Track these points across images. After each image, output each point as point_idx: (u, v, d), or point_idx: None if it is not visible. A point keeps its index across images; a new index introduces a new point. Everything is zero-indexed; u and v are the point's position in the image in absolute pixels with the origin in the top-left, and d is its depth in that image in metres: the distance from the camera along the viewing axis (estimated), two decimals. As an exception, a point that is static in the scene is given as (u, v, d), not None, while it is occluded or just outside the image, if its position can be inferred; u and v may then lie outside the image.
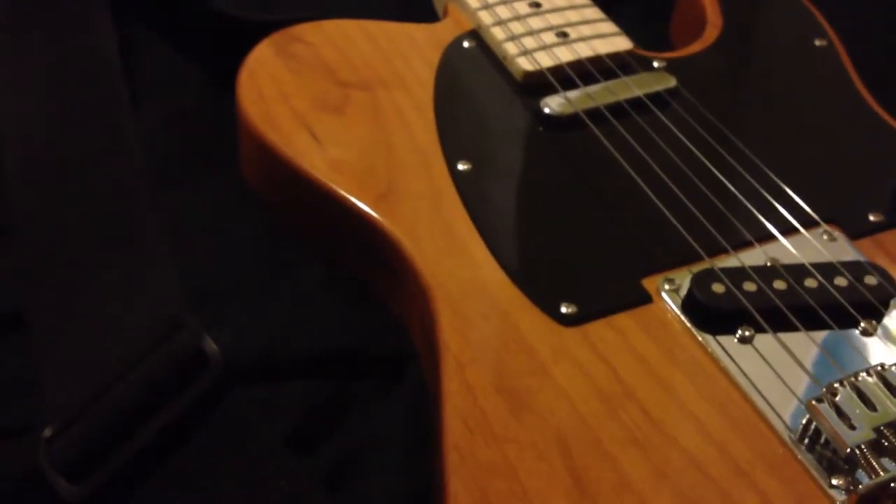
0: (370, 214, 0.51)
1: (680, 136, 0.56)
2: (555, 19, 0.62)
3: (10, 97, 0.58)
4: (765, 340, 0.46)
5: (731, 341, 0.46)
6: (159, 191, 0.55)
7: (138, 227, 0.52)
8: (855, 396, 0.43)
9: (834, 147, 0.58)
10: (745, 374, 0.45)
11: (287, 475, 0.45)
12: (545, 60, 0.59)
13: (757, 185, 0.53)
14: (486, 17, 0.62)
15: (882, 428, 0.42)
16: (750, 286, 0.48)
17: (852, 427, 0.42)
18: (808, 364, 0.45)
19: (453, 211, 0.52)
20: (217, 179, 0.62)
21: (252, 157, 0.58)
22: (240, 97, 0.57)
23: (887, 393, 0.43)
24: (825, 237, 0.52)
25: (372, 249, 0.52)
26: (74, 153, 0.56)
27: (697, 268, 0.49)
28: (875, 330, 0.47)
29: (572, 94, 0.58)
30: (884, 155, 0.58)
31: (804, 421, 0.43)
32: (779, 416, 0.43)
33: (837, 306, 0.47)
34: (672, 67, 0.61)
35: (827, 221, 0.52)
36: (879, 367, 0.44)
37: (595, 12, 0.63)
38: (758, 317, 0.47)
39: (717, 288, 0.47)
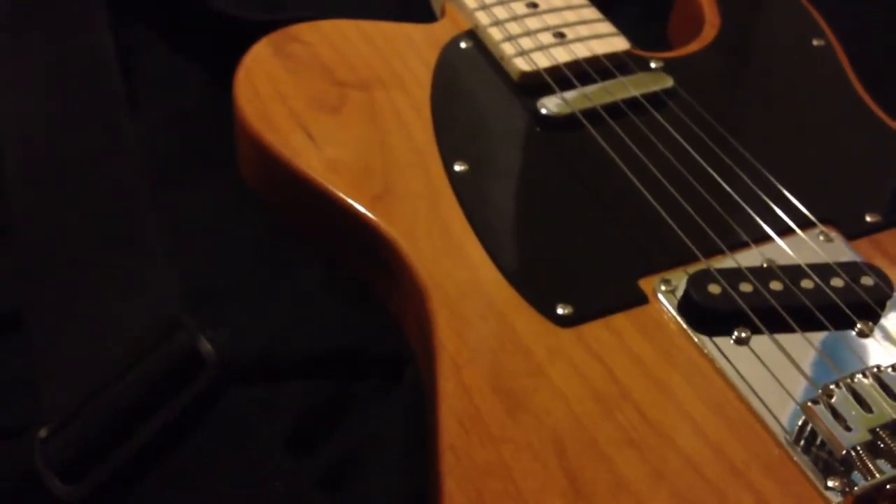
0: (366, 215, 0.51)
1: (677, 136, 0.56)
2: (552, 20, 0.62)
3: (10, 97, 0.58)
4: (761, 342, 0.46)
5: (727, 342, 0.46)
6: (159, 191, 0.55)
7: (137, 228, 0.52)
8: (851, 398, 0.43)
9: (831, 147, 0.58)
10: (741, 376, 0.45)
11: (286, 475, 0.45)
12: (542, 61, 0.59)
13: (753, 186, 0.53)
14: (483, 18, 0.62)
15: (878, 429, 0.42)
16: (746, 287, 0.48)
17: (848, 428, 0.42)
18: (805, 365, 0.45)
19: (450, 211, 0.51)
20: (217, 179, 0.62)
21: (249, 156, 0.58)
22: (236, 96, 0.57)
23: (883, 394, 0.43)
24: (822, 238, 0.52)
25: (369, 249, 0.52)
26: (73, 153, 0.56)
27: (694, 269, 0.49)
28: (871, 331, 0.47)
29: (569, 94, 0.58)
30: (881, 155, 0.58)
31: (800, 422, 0.43)
32: (775, 417, 0.43)
33: (834, 307, 0.47)
34: (669, 67, 0.61)
35: (823, 222, 0.52)
36: (875, 369, 0.44)
37: (592, 12, 0.63)
38: (754, 318, 0.47)
39: (714, 289, 0.47)
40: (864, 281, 0.48)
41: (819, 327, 0.47)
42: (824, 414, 0.42)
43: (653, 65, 0.61)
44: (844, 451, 0.41)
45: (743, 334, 0.46)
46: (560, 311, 0.47)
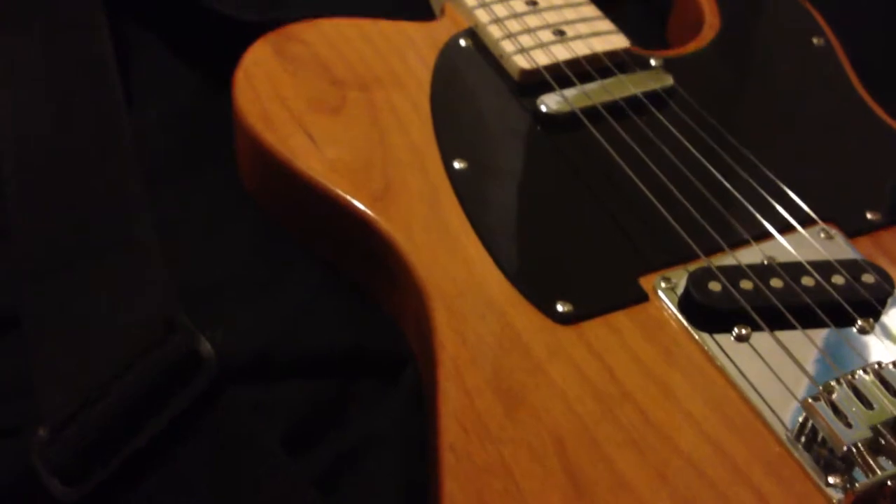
0: (366, 214, 0.51)
1: (677, 134, 0.56)
2: (551, 17, 0.62)
3: (8, 97, 0.58)
4: (762, 339, 0.46)
5: (727, 340, 0.46)
6: (156, 191, 0.55)
7: (135, 227, 0.52)
8: (852, 395, 0.43)
9: (831, 145, 0.58)
10: (741, 373, 0.45)
11: (284, 475, 0.45)
12: (542, 59, 0.59)
13: (754, 184, 0.53)
14: (482, 16, 0.62)
15: (879, 426, 0.42)
16: (747, 285, 0.47)
17: (849, 425, 0.41)
18: (805, 363, 0.45)
19: (449, 210, 0.51)
20: (215, 179, 0.62)
21: (248, 156, 0.58)
22: (236, 97, 0.57)
23: (884, 391, 0.43)
24: (822, 235, 0.51)
25: (368, 249, 0.52)
26: (71, 153, 0.56)
27: (694, 266, 0.49)
28: (872, 328, 0.47)
29: (569, 92, 0.58)
30: (881, 153, 0.58)
31: (801, 420, 0.43)
32: (776, 414, 0.43)
33: (835, 305, 0.47)
34: (669, 66, 0.61)
35: (824, 220, 0.52)
36: (876, 366, 0.44)
37: (592, 10, 0.63)
38: (755, 315, 0.46)
39: (714, 286, 0.47)
40: (865, 278, 0.48)
41: (820, 324, 0.47)
42: (825, 411, 0.42)
43: (653, 63, 0.61)
44: (845, 448, 0.41)
45: (743, 332, 0.46)
46: (560, 308, 0.47)
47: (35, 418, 0.44)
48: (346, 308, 0.56)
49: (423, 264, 0.49)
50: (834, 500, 0.41)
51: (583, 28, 0.62)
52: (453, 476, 0.40)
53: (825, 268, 0.49)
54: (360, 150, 0.54)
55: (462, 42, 0.62)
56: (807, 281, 0.48)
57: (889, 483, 0.41)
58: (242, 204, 0.60)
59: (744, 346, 0.46)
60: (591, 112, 0.57)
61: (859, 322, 0.47)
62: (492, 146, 0.56)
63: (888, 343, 0.46)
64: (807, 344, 0.46)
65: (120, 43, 0.64)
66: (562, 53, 0.60)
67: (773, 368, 0.45)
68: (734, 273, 0.48)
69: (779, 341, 0.46)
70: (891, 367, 0.44)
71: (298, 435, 0.50)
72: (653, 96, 0.58)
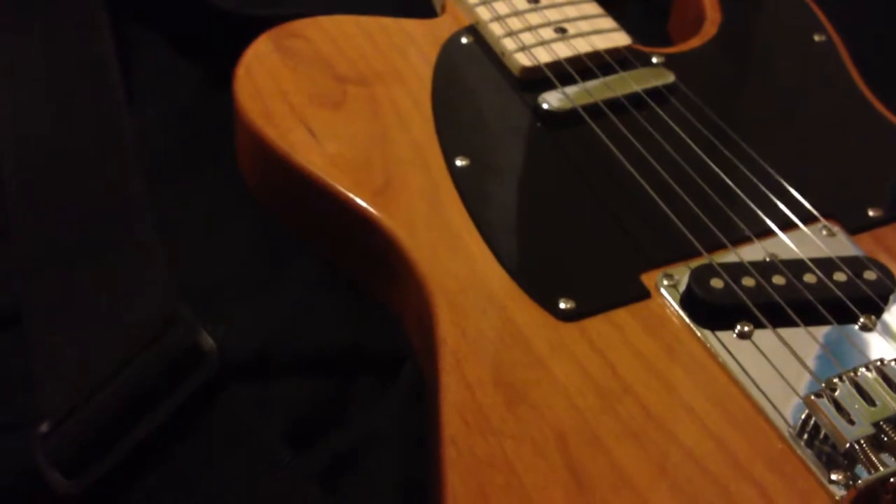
0: (367, 210, 0.51)
1: (678, 131, 0.56)
2: (553, 15, 0.62)
3: (9, 95, 0.58)
4: (764, 336, 0.46)
5: (729, 337, 0.46)
6: (157, 188, 0.55)
7: (134, 226, 0.52)
8: (854, 391, 0.43)
9: (833, 142, 0.58)
10: (743, 370, 0.45)
11: (284, 472, 0.45)
12: (543, 56, 0.59)
13: (755, 181, 0.53)
14: (484, 13, 0.62)
15: (881, 423, 0.42)
16: (749, 281, 0.47)
17: (851, 422, 0.41)
18: (807, 359, 0.45)
19: (451, 206, 0.51)
20: (215, 177, 0.62)
21: (249, 152, 0.58)
22: (237, 93, 0.57)
23: (886, 388, 0.43)
24: (824, 232, 0.51)
25: (369, 245, 0.52)
26: (71, 150, 0.56)
27: (696, 263, 0.49)
28: (874, 325, 0.47)
29: (570, 89, 0.58)
30: (883, 150, 0.58)
31: (803, 416, 0.43)
32: (778, 411, 0.43)
33: (836, 302, 0.47)
34: (671, 63, 0.61)
35: (826, 217, 0.52)
36: (879, 363, 0.44)
37: (593, 8, 0.63)
38: (756, 312, 0.46)
39: (716, 283, 0.47)
40: (867, 275, 0.48)
41: (822, 321, 0.47)
42: (827, 407, 0.42)
43: (654, 60, 0.61)
44: (848, 445, 0.41)
45: (745, 328, 0.46)
46: (562, 305, 0.47)
47: (36, 414, 0.44)
48: (344, 306, 0.56)
49: (425, 261, 0.49)
50: (837, 497, 0.41)
51: (584, 25, 0.62)
52: (455, 470, 0.40)
53: (827, 265, 0.49)
54: (361, 146, 0.54)
55: (463, 39, 0.62)
56: (809, 278, 0.48)
57: (892, 479, 0.41)
58: (242, 203, 0.60)
59: (746, 342, 0.46)
60: (593, 109, 0.57)
61: (861, 319, 0.47)
62: (493, 143, 0.56)
63: (890, 339, 0.46)
64: (809, 341, 0.46)
65: (121, 41, 0.64)
66: (563, 51, 0.60)
67: (775, 365, 0.45)
68: (736, 270, 0.48)
69: (781, 338, 0.46)
70: (893, 363, 0.44)
71: (298, 432, 0.50)
72: (654, 93, 0.58)
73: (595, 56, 0.60)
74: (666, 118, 0.56)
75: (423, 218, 0.51)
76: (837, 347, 0.46)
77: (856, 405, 0.42)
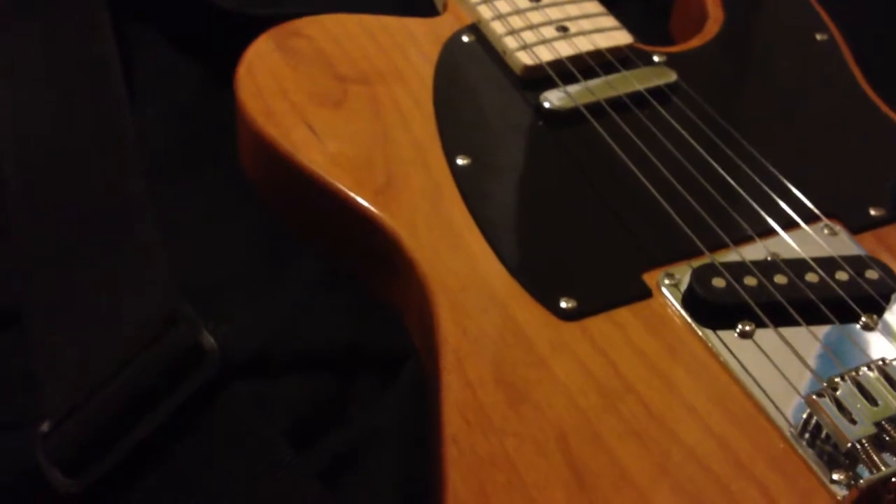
0: (368, 209, 0.51)
1: (680, 130, 0.55)
2: (554, 13, 0.62)
3: (8, 95, 0.58)
4: (765, 335, 0.46)
5: (731, 336, 0.46)
6: (157, 188, 0.55)
7: (136, 225, 0.52)
8: (856, 391, 0.43)
9: (835, 141, 0.58)
10: (745, 369, 0.45)
11: (284, 470, 0.45)
12: (545, 55, 0.59)
13: (757, 180, 0.53)
14: (485, 12, 0.62)
15: (883, 422, 0.42)
16: (750, 281, 0.47)
17: (853, 421, 0.41)
18: (809, 359, 0.45)
19: (452, 205, 0.51)
20: (216, 175, 0.62)
21: (251, 151, 0.58)
22: (238, 92, 0.57)
23: (888, 387, 0.43)
24: (826, 231, 0.51)
25: (370, 244, 0.52)
26: (72, 149, 0.56)
27: (698, 262, 0.49)
28: (876, 324, 0.47)
29: (572, 88, 0.58)
30: (885, 149, 0.58)
31: (805, 416, 0.43)
32: (779, 410, 0.43)
33: (838, 301, 0.47)
34: (672, 62, 0.61)
35: (828, 216, 0.52)
36: (880, 362, 0.44)
37: (595, 6, 0.63)
38: (758, 311, 0.46)
39: (718, 282, 0.47)
40: (869, 274, 0.48)
41: (824, 321, 0.47)
42: (829, 407, 0.42)
43: (656, 59, 0.61)
44: (849, 445, 0.41)
45: (747, 328, 0.46)
46: (563, 304, 0.47)
47: (37, 413, 0.44)
48: (345, 305, 0.56)
49: (426, 259, 0.49)
50: (838, 497, 0.41)
51: (586, 24, 0.62)
52: (456, 468, 0.40)
53: (829, 264, 0.48)
54: (363, 145, 0.54)
55: (465, 38, 0.62)
56: (810, 277, 0.48)
57: (893, 479, 0.40)
58: (242, 202, 0.60)
59: (748, 342, 0.46)
60: (595, 108, 0.57)
61: (863, 318, 0.47)
62: (495, 142, 0.56)
63: (892, 339, 0.46)
64: (811, 340, 0.46)
65: (122, 40, 0.64)
66: (565, 50, 0.59)
67: (776, 365, 0.45)
68: (738, 269, 0.48)
69: (783, 337, 0.46)
70: (895, 363, 0.44)
71: (298, 432, 0.50)
72: (656, 92, 0.58)
73: (597, 55, 0.60)
74: (668, 117, 0.56)
75: (424, 217, 0.51)
76: (839, 347, 0.46)
77: (857, 404, 0.42)
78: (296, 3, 0.68)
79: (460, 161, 0.53)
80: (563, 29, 0.61)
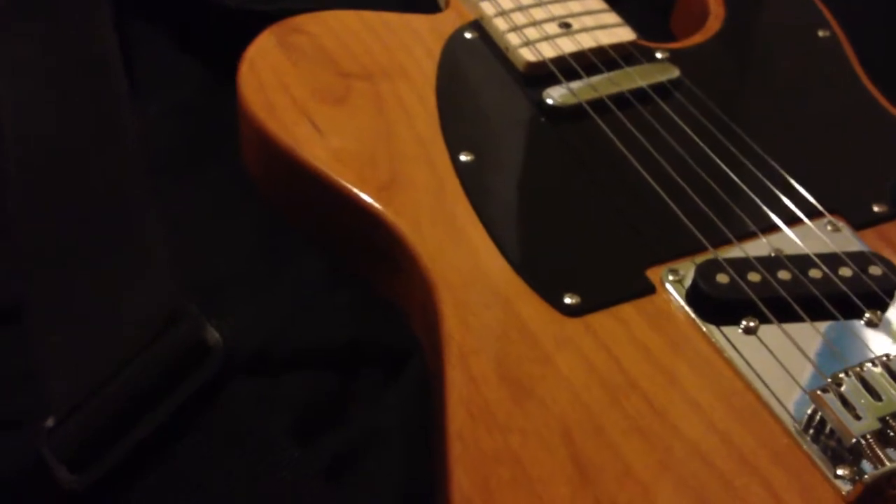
0: (372, 205, 0.51)
1: (683, 126, 0.55)
2: (557, 10, 0.62)
3: (9, 94, 0.58)
4: (769, 331, 0.46)
5: (735, 332, 0.46)
6: (160, 183, 0.55)
7: (139, 219, 0.52)
8: (860, 386, 0.42)
9: (838, 138, 0.58)
10: (749, 365, 0.45)
11: (287, 467, 0.45)
12: (548, 51, 0.59)
13: (761, 176, 0.53)
14: (488, 8, 0.62)
15: (887, 418, 0.41)
16: (754, 277, 0.47)
17: (857, 417, 0.41)
18: (813, 354, 0.45)
19: (456, 202, 0.51)
20: (218, 172, 0.62)
21: (253, 147, 0.58)
22: (240, 88, 0.57)
23: (893, 383, 0.43)
24: (829, 228, 0.51)
25: (373, 241, 0.52)
26: (75, 145, 0.56)
27: (701, 258, 0.49)
28: (880, 320, 0.47)
29: (575, 84, 0.58)
30: (888, 146, 0.58)
31: (809, 411, 0.43)
32: (783, 406, 0.43)
33: (842, 297, 0.47)
34: (675, 58, 0.61)
35: (831, 212, 0.52)
36: (885, 358, 0.44)
37: (598, 3, 0.63)
38: (762, 307, 0.46)
39: (722, 278, 0.47)
40: (872, 270, 0.48)
41: (827, 316, 0.47)
42: (833, 402, 0.42)
43: (658, 55, 0.61)
44: (854, 440, 0.41)
45: (751, 324, 0.46)
46: (567, 300, 0.47)
47: (42, 409, 0.44)
48: (347, 303, 0.56)
49: (430, 256, 0.49)
50: (843, 492, 0.41)
51: (589, 21, 0.61)
52: (461, 464, 0.40)
53: (832, 260, 0.49)
54: (366, 141, 0.54)
55: (467, 34, 0.62)
56: (814, 273, 0.48)
57: (898, 474, 0.41)
58: (244, 200, 0.60)
59: (752, 338, 0.46)
60: (598, 104, 0.57)
61: (867, 314, 0.47)
62: (498, 139, 0.56)
63: (895, 335, 0.46)
64: (815, 336, 0.46)
65: (124, 37, 0.64)
66: (568, 46, 0.59)
67: (780, 360, 0.45)
68: (742, 265, 0.48)
69: (787, 333, 0.46)
70: (899, 359, 0.44)
71: (301, 429, 0.50)
72: (659, 88, 0.58)
73: (599, 51, 0.60)
74: (671, 113, 0.56)
75: (427, 213, 0.51)
76: (843, 342, 0.46)
77: (862, 400, 0.42)
78: (298, -1, 0.68)
79: (464, 157, 0.53)
80: (566, 25, 0.61)
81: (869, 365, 0.43)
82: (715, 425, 0.43)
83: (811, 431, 0.42)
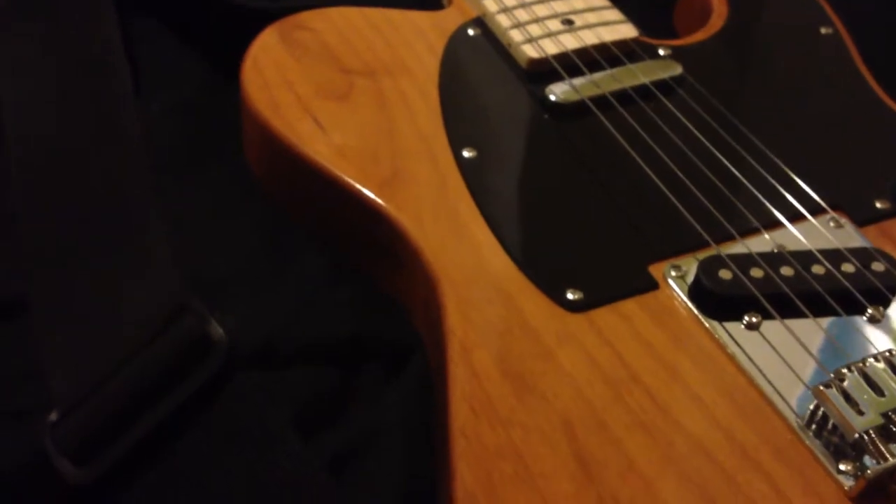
0: (374, 201, 0.51)
1: (686, 123, 0.55)
2: (560, 7, 0.62)
3: (10, 93, 0.58)
4: (772, 327, 0.46)
5: (738, 328, 0.46)
6: (162, 182, 0.55)
7: (142, 215, 0.52)
8: (863, 382, 0.42)
9: (840, 134, 0.58)
10: (752, 361, 0.45)
11: (290, 461, 0.45)
12: (550, 48, 0.59)
13: (763, 172, 0.53)
14: (490, 5, 0.62)
15: (890, 413, 0.42)
16: (757, 272, 0.47)
17: (860, 412, 0.41)
18: (816, 350, 0.45)
19: (458, 197, 0.51)
20: (221, 169, 0.62)
21: (256, 144, 0.58)
22: (244, 84, 0.57)
23: (895, 378, 0.43)
24: (832, 224, 0.51)
25: (376, 237, 0.52)
26: (78, 142, 0.56)
27: (704, 254, 0.49)
28: (882, 316, 0.47)
29: (578, 81, 0.58)
30: (890, 142, 0.58)
31: (811, 407, 0.43)
32: (786, 401, 0.43)
33: (845, 292, 0.47)
34: (678, 55, 0.61)
35: (833, 208, 0.52)
36: (887, 353, 0.44)
37: (600, 0, 0.63)
38: (765, 303, 0.46)
39: (724, 274, 0.47)
40: (875, 266, 0.48)
41: (830, 312, 0.47)
42: (836, 398, 0.42)
43: (661, 52, 0.61)
44: (856, 435, 0.41)
45: (754, 319, 0.46)
46: (570, 296, 0.47)
47: (46, 402, 0.44)
48: (348, 299, 0.56)
49: (433, 252, 0.49)
50: (845, 487, 0.41)
51: (591, 17, 0.62)
52: (464, 460, 0.40)
53: (835, 256, 0.49)
54: (368, 137, 0.54)
55: (470, 31, 0.62)
56: (817, 269, 0.48)
57: (900, 469, 0.41)
58: (247, 197, 0.60)
59: (754, 333, 0.46)
60: (600, 101, 0.57)
61: (869, 310, 0.47)
62: (500, 135, 0.56)
63: (898, 331, 0.47)
64: (817, 331, 0.46)
65: (127, 35, 0.64)
66: (570, 43, 0.59)
67: (783, 356, 0.45)
68: (744, 261, 0.48)
69: (789, 329, 0.46)
70: (901, 354, 0.44)
71: (304, 424, 0.50)
72: (662, 85, 0.58)
73: (602, 48, 0.60)
74: (673, 110, 0.56)
75: (430, 209, 0.51)
76: (845, 338, 0.46)
77: (864, 395, 0.42)
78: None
79: (466, 153, 0.53)
80: (569, 22, 0.61)
81: (871, 360, 0.43)
82: (718, 421, 0.43)
83: (814, 427, 0.42)
